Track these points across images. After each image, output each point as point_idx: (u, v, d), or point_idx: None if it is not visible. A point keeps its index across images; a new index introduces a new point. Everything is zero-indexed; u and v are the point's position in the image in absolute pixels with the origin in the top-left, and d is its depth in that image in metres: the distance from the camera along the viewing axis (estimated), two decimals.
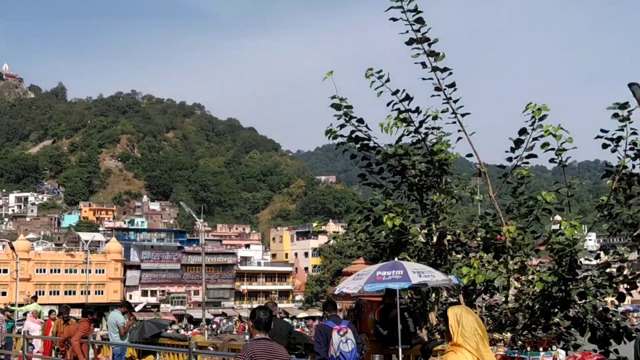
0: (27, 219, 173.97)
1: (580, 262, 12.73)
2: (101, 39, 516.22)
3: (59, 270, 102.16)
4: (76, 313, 32.70)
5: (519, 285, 12.89)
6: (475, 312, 13.42)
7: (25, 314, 29.21)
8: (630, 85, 10.63)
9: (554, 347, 10.77)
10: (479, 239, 14.02)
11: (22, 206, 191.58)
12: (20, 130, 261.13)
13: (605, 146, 13.10)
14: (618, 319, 12.96)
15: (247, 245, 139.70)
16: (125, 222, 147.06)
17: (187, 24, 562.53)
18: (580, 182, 14.49)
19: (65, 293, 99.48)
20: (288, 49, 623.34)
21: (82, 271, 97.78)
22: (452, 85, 13.43)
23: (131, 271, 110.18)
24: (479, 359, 5.20)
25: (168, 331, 20.73)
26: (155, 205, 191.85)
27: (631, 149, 12.87)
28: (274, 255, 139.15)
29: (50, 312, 18.01)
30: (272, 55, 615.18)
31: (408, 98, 13.79)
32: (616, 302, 13.14)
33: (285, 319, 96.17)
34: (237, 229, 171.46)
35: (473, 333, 5.25)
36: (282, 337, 12.69)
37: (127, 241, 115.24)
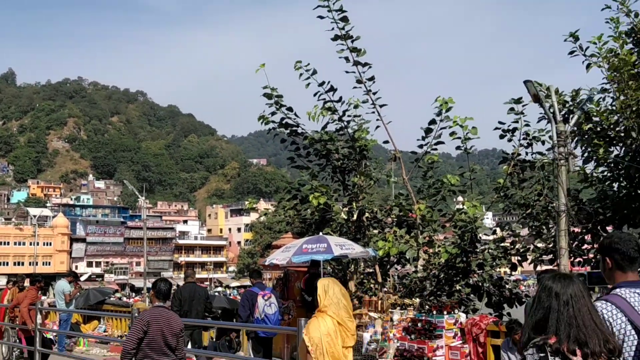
0: None
1: (480, 237, 13.23)
2: (51, 27, 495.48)
3: (8, 243, 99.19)
4: (25, 283, 31.91)
5: (427, 257, 13.26)
6: (388, 280, 14.08)
7: None
8: (525, 82, 11.06)
9: (456, 311, 11.10)
10: (393, 216, 14.43)
11: None
12: None
13: (502, 136, 13.53)
14: (510, 287, 13.60)
15: (185, 221, 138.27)
16: (71, 199, 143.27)
17: (132, 16, 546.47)
18: (481, 168, 15.04)
19: (14, 264, 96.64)
20: (226, 42, 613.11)
21: (31, 244, 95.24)
22: (372, 78, 13.75)
23: (77, 244, 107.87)
24: (339, 323, 5.45)
25: (111, 298, 20.62)
26: (100, 184, 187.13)
27: (524, 138, 13.34)
28: (209, 230, 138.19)
29: (8, 282, 17.60)
30: (210, 47, 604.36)
31: (333, 89, 14.05)
32: (509, 272, 13.70)
33: (219, 288, 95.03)
34: (176, 206, 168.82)
35: (337, 302, 5.51)
36: (200, 301, 12.94)
37: (73, 216, 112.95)
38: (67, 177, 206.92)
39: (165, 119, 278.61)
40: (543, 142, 13.24)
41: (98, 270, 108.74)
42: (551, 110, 10.79)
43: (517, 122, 13.16)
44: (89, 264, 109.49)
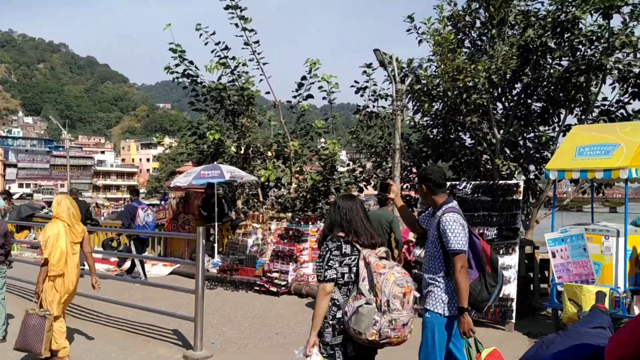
0: None
1: (337, 167, 13.45)
2: None
3: None
4: None
5: (298, 182, 13.33)
6: (268, 199, 14.05)
7: None
8: (374, 50, 11.11)
9: (318, 222, 11.30)
10: (272, 150, 14.30)
11: None
12: None
13: (356, 92, 13.66)
14: None
15: (103, 152, 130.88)
16: (4, 132, 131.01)
17: None
18: (340, 115, 15.18)
19: None
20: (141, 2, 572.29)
21: None
22: (257, 42, 13.34)
23: (10, 169, 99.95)
24: (69, 225, 5.62)
25: (40, 212, 19.12)
26: (29, 120, 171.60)
27: (372, 95, 13.55)
28: (123, 160, 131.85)
29: None
30: (127, 4, 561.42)
31: (227, 48, 13.55)
32: (357, 194, 14.03)
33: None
34: (94, 139, 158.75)
35: (67, 210, 5.66)
36: (82, 213, 12.44)
37: (6, 146, 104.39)
38: (0, 113, 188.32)
39: (85, 67, 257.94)
40: (386, 98, 13.46)
41: (28, 191, 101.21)
42: (392, 73, 10.95)
43: (367, 82, 13.31)
44: (20, 185, 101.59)
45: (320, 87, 13.11)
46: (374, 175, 13.66)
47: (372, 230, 3.37)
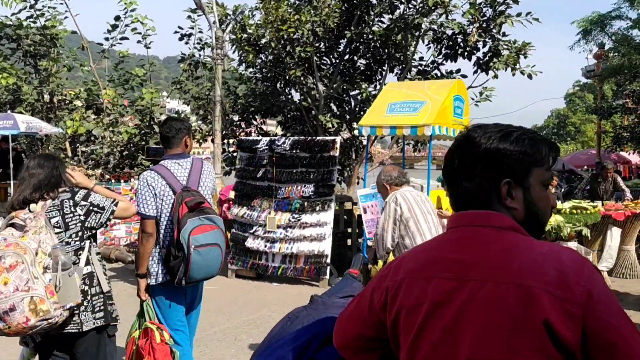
0: None
1: (157, 119, 12.41)
2: None
3: None
4: None
5: (112, 136, 12.13)
6: (77, 155, 12.60)
7: None
8: None
9: (132, 179, 10.42)
10: (82, 99, 12.77)
11: None
12: None
13: (181, 39, 12.76)
14: None
15: None
16: None
17: None
18: (166, 69, 14.01)
19: None
20: None
21: None
22: None
23: None
24: None
25: None
26: None
27: (198, 43, 12.75)
28: None
29: None
30: None
31: None
32: None
33: None
34: None
35: None
36: None
37: None
38: None
39: None
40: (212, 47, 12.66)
41: None
42: (212, 19, 10.21)
43: (192, 28, 12.46)
44: None
45: (134, 30, 11.83)
46: (198, 129, 12.90)
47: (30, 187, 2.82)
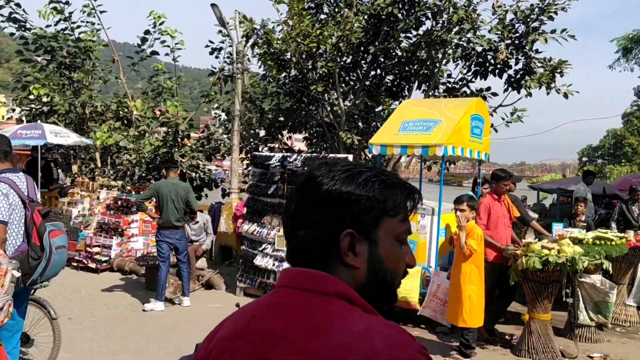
0: None
1: (184, 133, 12.48)
2: None
3: None
4: None
5: (139, 147, 12.27)
6: (102, 168, 12.82)
7: None
8: (211, 5, 10.25)
9: None
10: (112, 111, 13.04)
11: None
12: None
13: (211, 53, 12.90)
14: (206, 173, 13.13)
15: None
16: None
17: None
18: (188, 79, 14.16)
19: None
20: None
21: None
22: None
23: None
24: None
25: None
26: None
27: (228, 57, 12.76)
28: None
29: None
30: None
31: None
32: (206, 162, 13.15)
33: None
34: None
35: None
36: None
37: None
38: None
39: None
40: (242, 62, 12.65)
41: None
42: (234, 33, 10.22)
43: (223, 42, 12.57)
44: None
45: (163, 42, 12.02)
46: (223, 143, 12.90)
47: None
